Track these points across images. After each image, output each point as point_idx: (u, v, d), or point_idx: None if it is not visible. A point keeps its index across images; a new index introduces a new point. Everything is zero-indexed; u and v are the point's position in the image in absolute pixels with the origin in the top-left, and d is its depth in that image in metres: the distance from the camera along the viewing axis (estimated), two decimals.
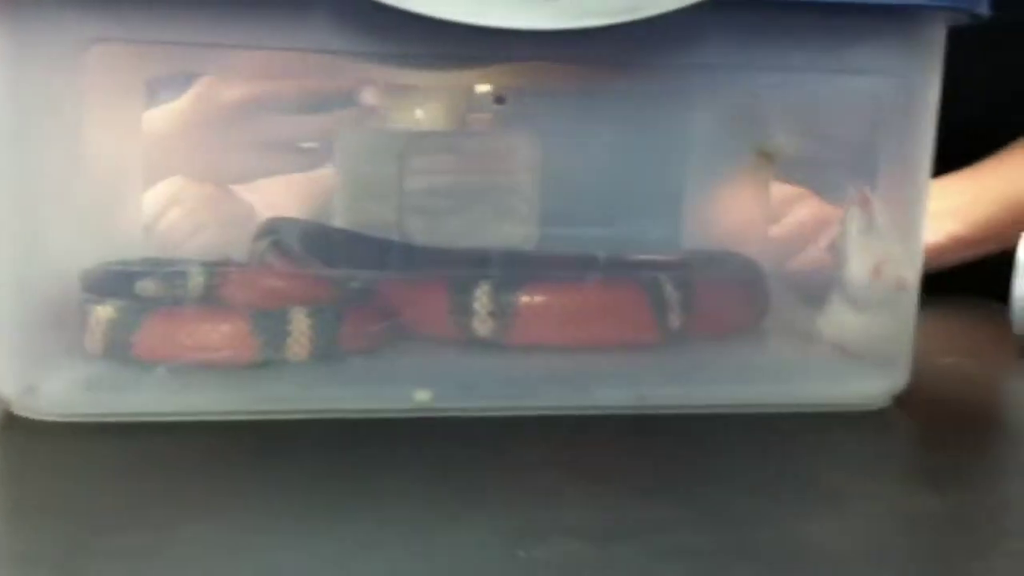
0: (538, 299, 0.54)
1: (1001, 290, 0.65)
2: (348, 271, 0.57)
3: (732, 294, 0.60)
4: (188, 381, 0.48)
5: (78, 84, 0.45)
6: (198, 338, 0.49)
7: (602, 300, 0.55)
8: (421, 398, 0.48)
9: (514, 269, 0.61)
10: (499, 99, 0.63)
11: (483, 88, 0.65)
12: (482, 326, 0.54)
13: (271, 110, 0.69)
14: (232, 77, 0.66)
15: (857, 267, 0.52)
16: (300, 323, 0.50)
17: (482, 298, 0.53)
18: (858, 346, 0.53)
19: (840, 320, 0.54)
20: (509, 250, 0.65)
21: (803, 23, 0.48)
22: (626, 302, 0.55)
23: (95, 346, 0.49)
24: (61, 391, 0.46)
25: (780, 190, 0.69)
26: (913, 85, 0.50)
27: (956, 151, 0.67)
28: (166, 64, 0.59)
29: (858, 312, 0.53)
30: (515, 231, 0.66)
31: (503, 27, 0.42)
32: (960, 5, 0.47)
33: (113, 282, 0.52)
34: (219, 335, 0.49)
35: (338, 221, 0.66)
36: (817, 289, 0.56)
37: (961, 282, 0.80)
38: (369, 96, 0.66)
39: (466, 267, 0.61)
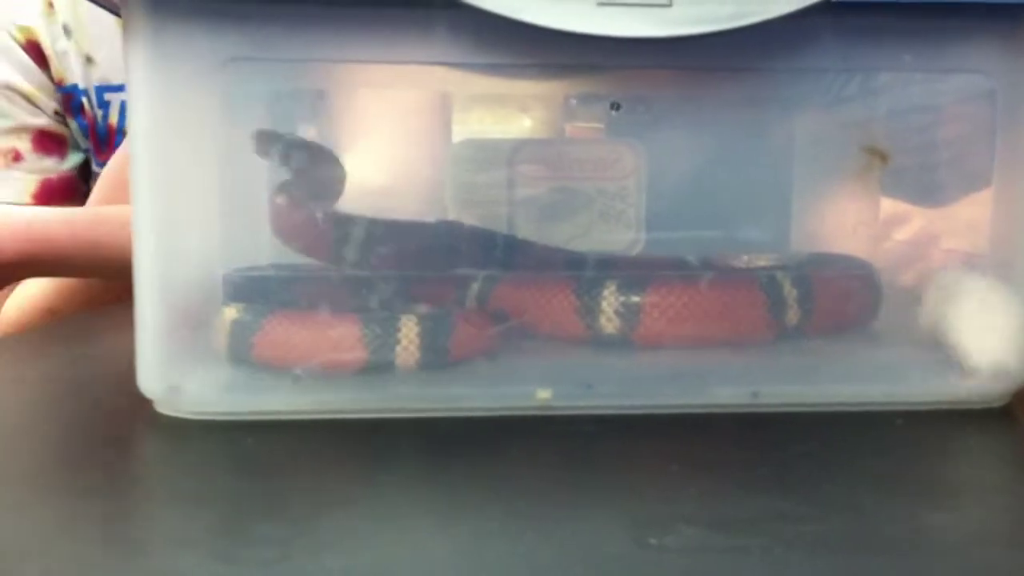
0: (663, 297, 0.54)
1: None
2: (469, 271, 0.58)
3: (847, 291, 0.59)
4: (318, 382, 0.49)
5: (214, 99, 0.47)
6: (311, 342, 0.50)
7: (724, 297, 0.55)
8: (542, 396, 0.48)
9: (626, 272, 0.61)
10: (615, 106, 0.64)
11: (598, 95, 0.65)
12: (609, 324, 0.54)
13: None
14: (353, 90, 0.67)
15: None
16: (409, 330, 0.50)
17: (609, 297, 0.54)
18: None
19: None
20: (617, 255, 0.65)
21: (912, 24, 0.48)
22: (746, 299, 0.55)
23: (220, 347, 0.51)
24: (201, 391, 0.48)
25: (887, 207, 0.68)
26: None
27: None
28: (291, 80, 0.61)
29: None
30: (622, 237, 0.67)
31: (616, 36, 0.43)
32: None
33: (249, 287, 0.53)
34: (329, 340, 0.50)
35: None
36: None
37: None
38: None
39: (578, 269, 0.62)
